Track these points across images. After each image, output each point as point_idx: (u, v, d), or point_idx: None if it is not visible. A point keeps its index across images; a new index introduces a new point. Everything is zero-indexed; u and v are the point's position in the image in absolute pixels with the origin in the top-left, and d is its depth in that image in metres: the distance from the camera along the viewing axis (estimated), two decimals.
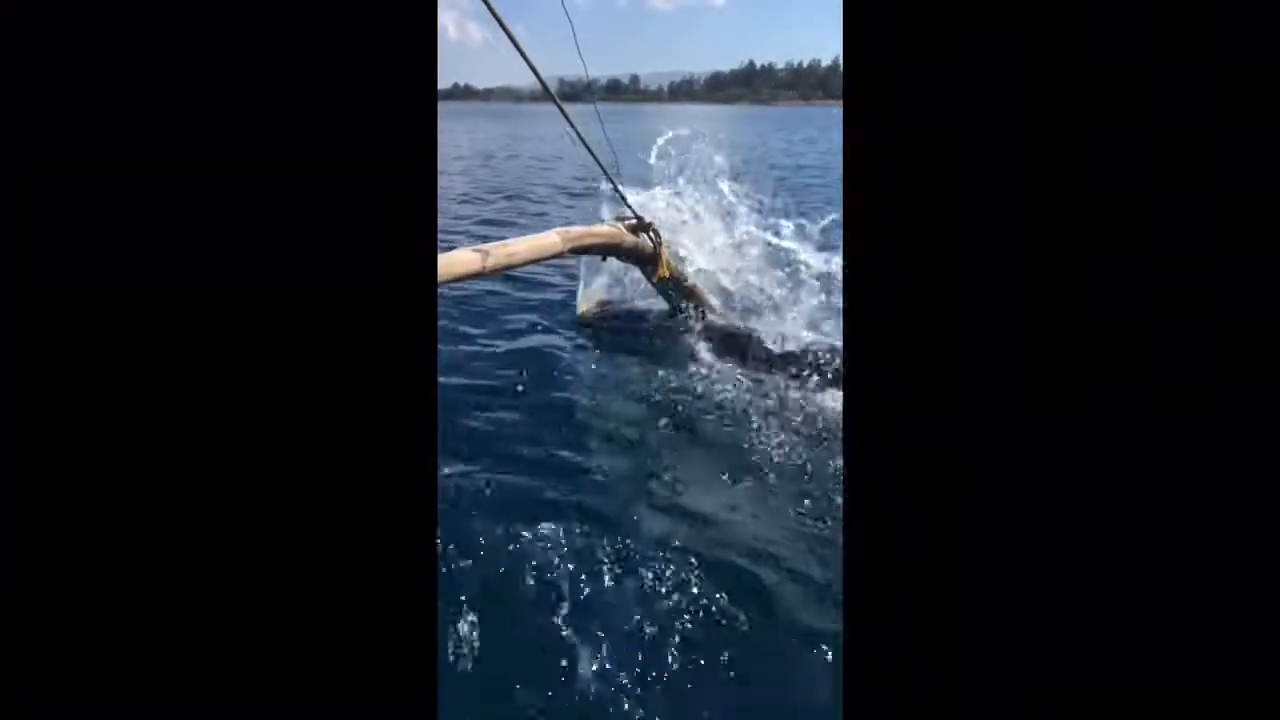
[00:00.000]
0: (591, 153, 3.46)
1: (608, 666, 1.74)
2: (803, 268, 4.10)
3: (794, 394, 3.29)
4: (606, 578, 2.03)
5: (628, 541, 2.20)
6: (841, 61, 0.83)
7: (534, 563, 2.08)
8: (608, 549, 2.16)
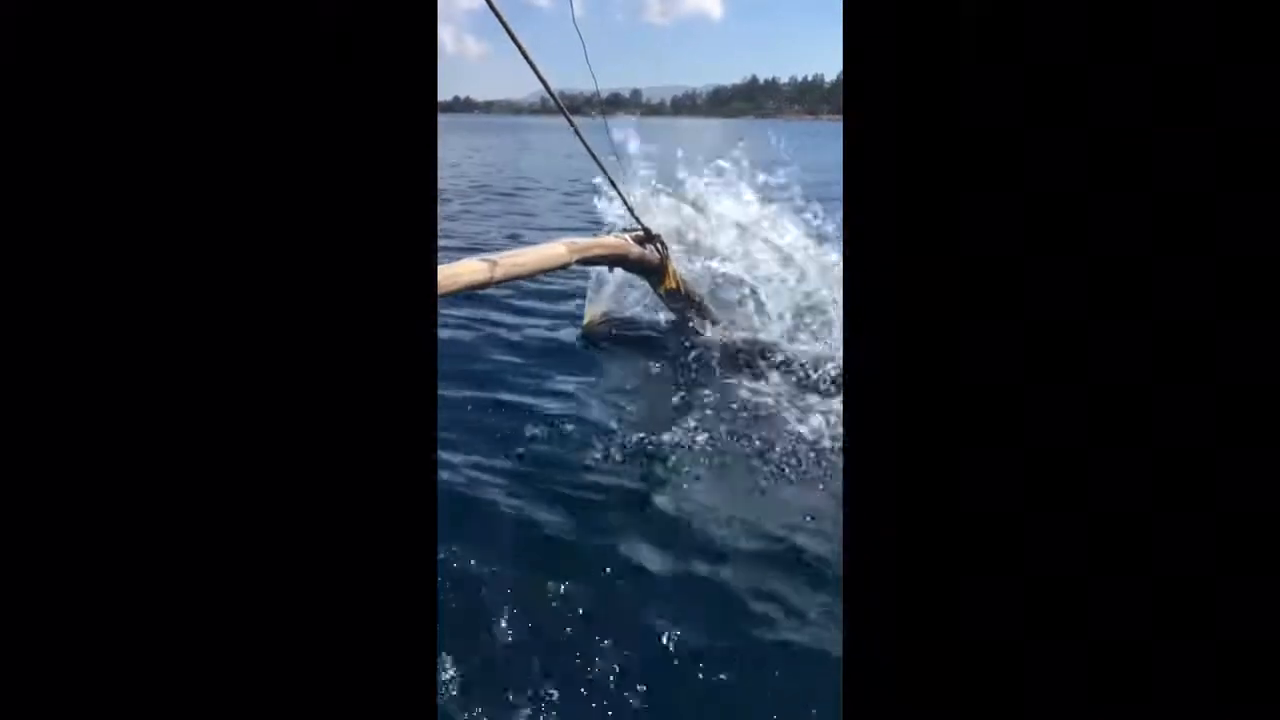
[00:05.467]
0: (599, 164, 3.51)
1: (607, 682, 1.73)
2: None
3: (800, 404, 3.31)
4: (605, 591, 2.02)
5: (628, 556, 2.19)
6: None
7: (524, 573, 2.07)
8: (607, 560, 2.15)
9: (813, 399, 3.35)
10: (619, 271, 4.05)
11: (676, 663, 1.78)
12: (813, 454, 2.83)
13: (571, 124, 3.22)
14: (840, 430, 3.08)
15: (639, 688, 1.70)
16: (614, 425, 3.14)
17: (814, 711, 1.63)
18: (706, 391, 3.51)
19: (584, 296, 4.60)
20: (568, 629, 1.88)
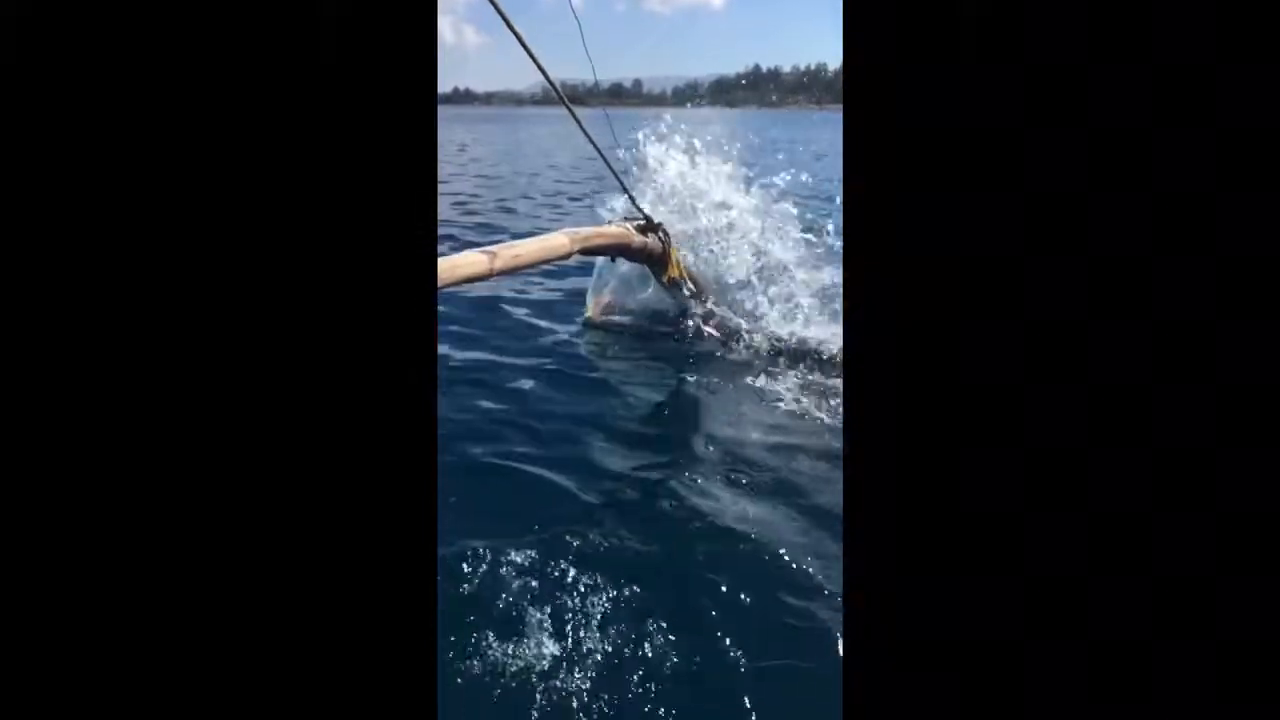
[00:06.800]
0: (601, 154, 3.50)
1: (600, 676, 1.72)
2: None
3: (804, 390, 3.31)
4: (608, 583, 2.00)
5: (632, 546, 2.18)
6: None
7: (530, 568, 2.06)
8: (610, 555, 2.13)
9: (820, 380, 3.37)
10: (621, 260, 4.05)
11: None
12: None
13: (574, 115, 3.22)
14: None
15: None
16: (615, 415, 3.14)
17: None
18: (708, 377, 3.51)
19: None
20: None
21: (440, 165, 14.57)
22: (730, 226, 4.30)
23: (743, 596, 1.97)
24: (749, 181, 4.57)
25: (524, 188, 11.45)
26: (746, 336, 3.94)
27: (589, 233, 3.47)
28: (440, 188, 10.89)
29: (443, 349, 3.80)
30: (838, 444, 2.81)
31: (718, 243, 4.27)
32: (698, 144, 4.58)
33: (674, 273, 4.01)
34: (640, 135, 4.60)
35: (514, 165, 15.60)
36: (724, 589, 2.00)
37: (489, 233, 7.09)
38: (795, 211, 4.45)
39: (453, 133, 31.17)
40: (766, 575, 2.07)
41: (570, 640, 1.81)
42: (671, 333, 4.17)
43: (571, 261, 3.71)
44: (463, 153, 19.24)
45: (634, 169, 4.40)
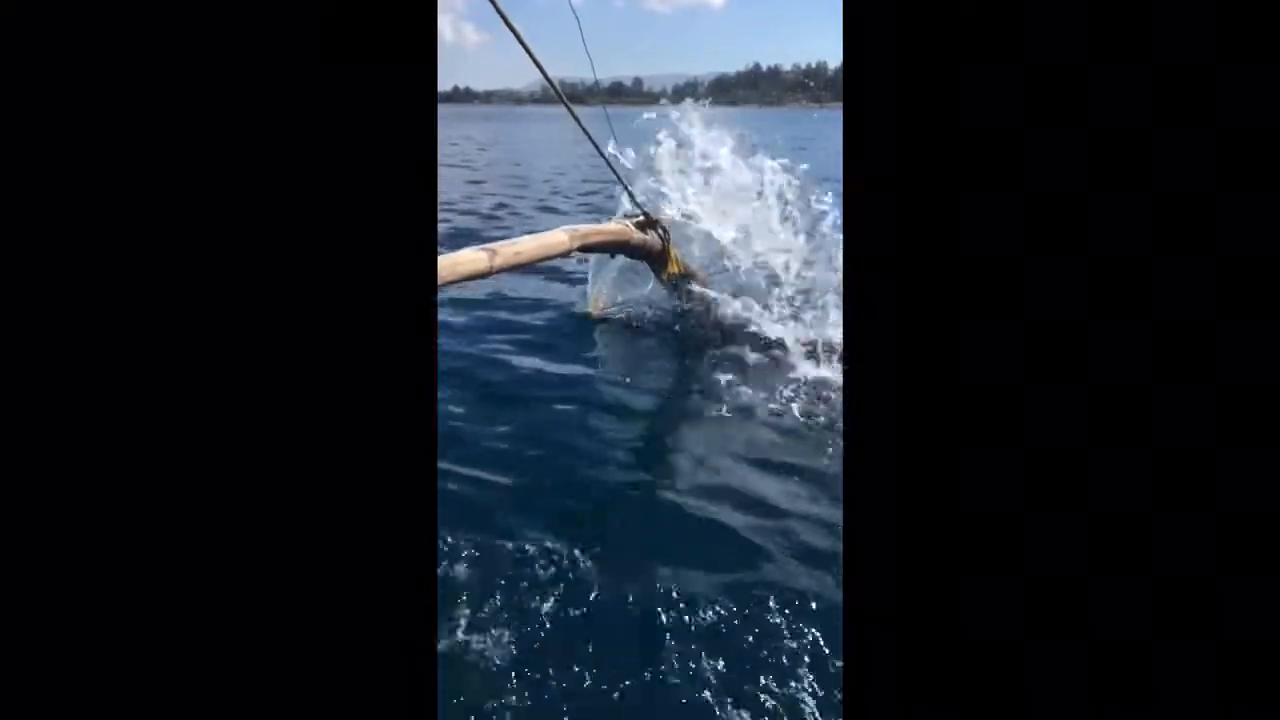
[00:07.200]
0: (601, 152, 3.50)
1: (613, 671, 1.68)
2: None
3: (804, 385, 3.31)
4: (612, 578, 1.96)
5: (637, 542, 2.15)
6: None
7: (535, 565, 2.03)
8: (615, 550, 2.08)
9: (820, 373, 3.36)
10: (620, 257, 4.04)
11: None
12: None
13: (572, 113, 3.22)
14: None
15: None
16: (617, 411, 3.13)
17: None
18: (709, 373, 3.50)
19: None
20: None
21: (467, 166, 14.32)
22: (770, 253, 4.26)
23: (745, 590, 1.89)
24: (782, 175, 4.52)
25: (554, 186, 11.32)
26: (745, 328, 3.92)
27: (588, 229, 3.47)
28: (477, 188, 10.84)
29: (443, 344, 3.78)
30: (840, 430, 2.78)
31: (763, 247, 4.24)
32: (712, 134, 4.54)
33: (673, 269, 4.01)
34: (675, 109, 4.55)
35: (534, 164, 15.38)
36: (726, 582, 1.92)
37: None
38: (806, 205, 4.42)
39: (464, 131, 30.89)
40: (771, 567, 1.99)
41: (563, 632, 1.69)
42: (671, 327, 4.16)
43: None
44: (483, 153, 19.04)
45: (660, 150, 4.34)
